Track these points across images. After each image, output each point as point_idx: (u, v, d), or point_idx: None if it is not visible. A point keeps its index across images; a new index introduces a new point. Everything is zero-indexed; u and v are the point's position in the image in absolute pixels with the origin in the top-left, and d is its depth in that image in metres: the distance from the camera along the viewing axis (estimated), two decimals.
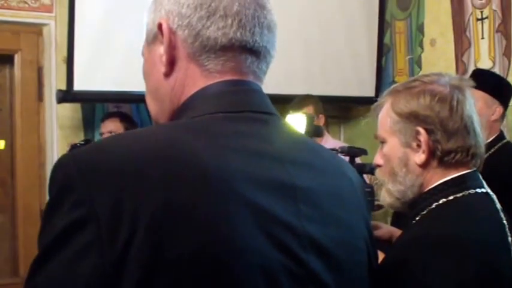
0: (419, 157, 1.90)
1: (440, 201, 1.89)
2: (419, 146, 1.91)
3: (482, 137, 1.97)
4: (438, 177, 1.92)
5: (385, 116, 2.00)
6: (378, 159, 2.07)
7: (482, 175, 1.98)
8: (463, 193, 1.88)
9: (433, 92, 1.90)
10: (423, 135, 1.88)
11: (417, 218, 1.92)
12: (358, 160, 3.02)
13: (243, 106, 1.27)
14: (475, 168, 1.95)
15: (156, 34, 1.30)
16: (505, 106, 4.01)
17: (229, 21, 1.25)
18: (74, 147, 4.06)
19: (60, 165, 1.13)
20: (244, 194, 1.13)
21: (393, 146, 1.98)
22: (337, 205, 1.30)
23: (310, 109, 4.91)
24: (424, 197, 1.94)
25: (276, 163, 1.22)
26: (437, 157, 1.90)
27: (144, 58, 1.38)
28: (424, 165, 1.91)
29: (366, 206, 1.44)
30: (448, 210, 1.87)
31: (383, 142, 2.03)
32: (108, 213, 1.04)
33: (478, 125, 1.94)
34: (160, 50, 1.29)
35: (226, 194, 1.11)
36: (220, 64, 1.27)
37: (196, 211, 1.08)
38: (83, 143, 4.12)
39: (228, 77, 1.28)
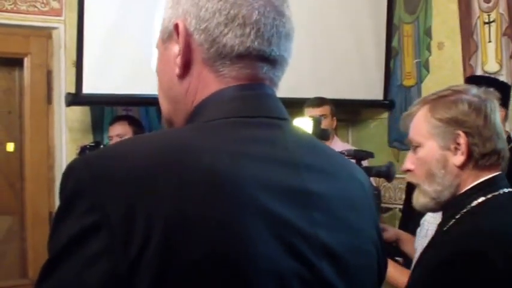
0: (458, 158, 2.05)
1: (480, 200, 2.03)
2: (457, 148, 2.05)
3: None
4: (473, 179, 2.06)
5: (422, 121, 2.14)
6: (408, 165, 2.21)
7: None
8: (499, 192, 2.05)
9: (469, 100, 2.06)
10: (463, 138, 2.03)
11: (457, 217, 2.04)
12: (365, 163, 3.02)
13: (257, 111, 1.26)
14: (502, 171, 2.11)
15: (172, 33, 1.28)
16: (506, 107, 4.05)
17: (248, 30, 1.23)
18: (83, 149, 4.09)
19: (72, 169, 1.11)
20: (257, 199, 1.12)
21: (431, 149, 2.11)
22: (348, 210, 1.29)
23: (327, 109, 4.98)
24: (460, 197, 2.07)
25: (289, 169, 1.21)
26: (474, 159, 2.05)
27: (158, 53, 1.37)
28: (462, 167, 2.06)
29: (376, 209, 1.44)
30: (489, 207, 2.02)
31: (417, 147, 2.16)
32: (121, 219, 1.03)
33: (503, 132, 2.12)
34: (175, 49, 1.27)
35: (239, 200, 1.10)
36: (236, 70, 1.25)
37: (210, 217, 1.07)
38: (93, 144, 4.11)
39: (243, 82, 1.26)
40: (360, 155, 2.93)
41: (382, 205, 2.18)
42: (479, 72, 5.10)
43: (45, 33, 5.00)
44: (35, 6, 4.86)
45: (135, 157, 1.11)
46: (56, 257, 1.06)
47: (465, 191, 2.07)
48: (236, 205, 1.10)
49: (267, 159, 1.19)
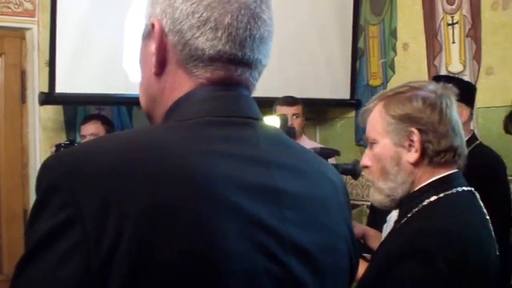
0: (412, 156, 2.02)
1: (432, 199, 1.99)
2: (411, 145, 2.02)
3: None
4: (428, 177, 2.03)
5: (377, 118, 2.11)
6: (365, 161, 2.19)
7: None
8: (452, 191, 2.00)
9: (424, 97, 2.02)
10: (416, 135, 1.99)
11: (409, 215, 2.01)
12: (331, 161, 3.06)
13: (230, 111, 1.25)
14: (458, 169, 2.08)
15: (150, 31, 1.29)
16: (471, 106, 4.11)
17: (219, 33, 1.22)
18: (58, 147, 4.10)
19: (46, 167, 1.11)
20: (229, 197, 1.12)
21: (385, 146, 2.08)
22: (320, 208, 1.29)
23: (299, 108, 5.00)
24: (414, 195, 2.04)
25: (261, 167, 1.21)
26: (428, 157, 2.01)
27: (140, 48, 1.37)
28: (416, 164, 2.02)
29: (347, 206, 1.44)
30: (441, 206, 1.97)
31: (373, 143, 2.14)
32: (94, 214, 1.03)
33: (461, 128, 2.08)
34: (152, 48, 1.27)
35: (212, 197, 1.10)
36: (209, 72, 1.25)
37: (182, 214, 1.07)
38: (67, 142, 4.12)
39: (216, 83, 1.26)
40: (326, 153, 2.95)
41: (350, 202, 2.20)
42: (443, 72, 5.18)
43: (19, 34, 5.04)
44: (9, 7, 4.90)
45: (108, 154, 1.11)
46: (30, 253, 1.06)
47: (419, 189, 2.04)
48: (208, 203, 1.10)
49: (238, 158, 1.20)
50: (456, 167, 2.07)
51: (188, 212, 1.07)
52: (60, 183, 1.06)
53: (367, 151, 2.20)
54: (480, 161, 3.88)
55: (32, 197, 4.92)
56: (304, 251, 1.22)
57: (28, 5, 4.98)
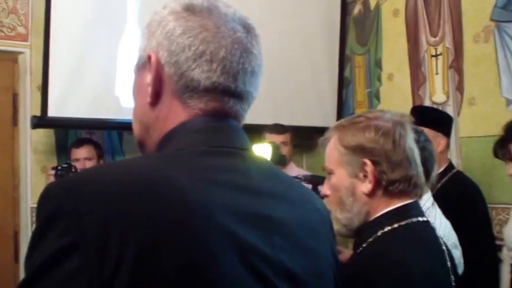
0: (366, 186, 1.99)
1: (385, 229, 1.97)
2: (365, 176, 1.99)
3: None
4: (383, 206, 2.00)
5: (333, 149, 2.08)
6: (325, 190, 2.14)
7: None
8: (407, 221, 1.97)
9: (377, 126, 2.00)
10: (369, 166, 1.97)
11: (364, 245, 1.99)
12: (320, 187, 3.09)
13: (223, 142, 1.29)
14: (416, 198, 2.05)
15: (145, 62, 1.32)
16: (448, 136, 4.18)
17: (214, 66, 1.26)
18: (56, 170, 4.11)
19: (48, 193, 1.13)
20: (224, 225, 1.14)
21: (340, 177, 2.05)
22: (307, 235, 1.32)
23: (288, 137, 5.05)
24: (370, 225, 2.01)
25: (253, 196, 1.24)
26: (382, 187, 1.99)
27: (133, 78, 1.40)
28: (370, 194, 2.00)
29: (332, 234, 1.48)
30: (393, 237, 1.95)
31: (330, 173, 2.10)
32: (96, 240, 1.04)
33: (418, 157, 2.04)
34: (147, 79, 1.30)
35: (207, 225, 1.12)
36: (203, 103, 1.28)
37: (179, 240, 1.09)
38: (65, 166, 4.13)
39: (209, 114, 1.29)
40: (316, 180, 3.02)
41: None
42: (427, 102, 5.28)
43: (12, 58, 5.06)
44: (2, 31, 4.94)
45: (109, 182, 1.12)
46: (32, 277, 1.07)
47: (373, 219, 2.01)
48: (206, 230, 1.12)
49: (232, 187, 1.22)
50: (413, 197, 2.04)
51: (187, 240, 1.10)
52: (62, 208, 1.08)
53: (326, 181, 2.17)
54: (458, 190, 3.99)
55: (23, 219, 4.97)
56: (293, 276, 1.25)
57: (21, 29, 5.02)
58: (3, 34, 4.96)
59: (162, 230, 1.08)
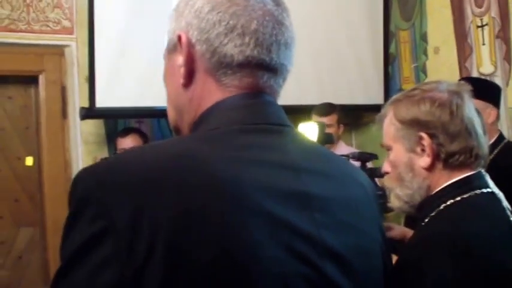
0: (425, 160, 1.95)
1: (448, 202, 1.91)
2: (423, 150, 1.95)
3: (486, 138, 2.00)
4: (444, 180, 1.95)
5: (389, 124, 2.05)
6: (385, 167, 2.11)
7: (489, 175, 1.99)
8: (470, 193, 1.90)
9: (432, 98, 1.95)
10: (426, 140, 1.93)
11: (426, 220, 1.93)
12: (369, 165, 3.08)
13: (258, 119, 1.27)
14: (479, 169, 1.98)
15: (176, 44, 1.31)
16: (498, 107, 4.11)
17: (247, 39, 1.25)
18: None
19: (79, 179, 1.13)
20: (259, 203, 1.13)
21: (398, 152, 2.02)
22: (351, 212, 1.30)
23: (334, 118, 5.07)
24: (431, 199, 1.96)
25: (290, 173, 1.22)
26: (441, 159, 1.94)
27: (164, 64, 1.39)
28: (430, 168, 1.95)
29: (378, 211, 1.45)
30: (455, 210, 1.88)
31: (389, 150, 2.07)
32: (127, 225, 1.04)
33: (480, 127, 1.97)
34: (179, 60, 1.29)
35: (241, 204, 1.11)
36: (237, 79, 1.27)
37: (214, 219, 1.08)
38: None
39: (245, 91, 1.28)
40: (364, 157, 2.98)
41: (388, 204, 2.15)
42: (474, 74, 5.19)
43: (58, 51, 5.10)
44: (48, 26, 4.99)
45: (137, 164, 1.13)
46: (66, 264, 1.09)
47: (435, 193, 1.97)
48: (238, 208, 1.10)
49: (268, 164, 1.21)
50: (476, 168, 1.98)
51: (219, 217, 1.08)
52: (92, 194, 1.09)
53: (386, 158, 2.14)
54: (510, 161, 3.92)
55: None
56: (337, 254, 1.22)
57: (66, 23, 5.06)
58: (49, 28, 5.01)
59: (193, 209, 1.07)
